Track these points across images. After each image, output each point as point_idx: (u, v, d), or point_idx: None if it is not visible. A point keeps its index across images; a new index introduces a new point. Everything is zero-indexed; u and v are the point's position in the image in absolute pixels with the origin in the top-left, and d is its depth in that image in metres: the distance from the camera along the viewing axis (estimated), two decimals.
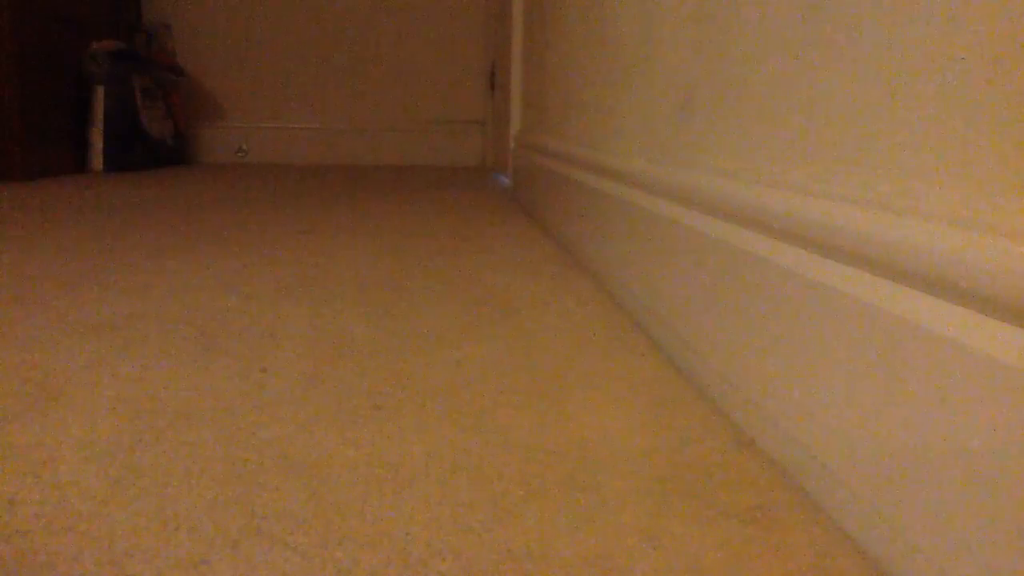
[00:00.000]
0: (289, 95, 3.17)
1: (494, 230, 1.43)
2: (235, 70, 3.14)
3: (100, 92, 2.47)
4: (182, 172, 2.63)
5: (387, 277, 0.98)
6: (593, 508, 0.41)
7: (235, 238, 1.27)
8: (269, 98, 3.16)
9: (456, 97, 3.22)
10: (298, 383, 0.59)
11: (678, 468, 0.46)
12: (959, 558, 0.31)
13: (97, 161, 2.50)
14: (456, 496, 0.42)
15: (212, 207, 1.68)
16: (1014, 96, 0.31)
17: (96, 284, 0.91)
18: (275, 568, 0.35)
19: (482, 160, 3.25)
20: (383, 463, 0.45)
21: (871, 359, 0.37)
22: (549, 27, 1.55)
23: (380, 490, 0.42)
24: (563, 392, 0.58)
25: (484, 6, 3.13)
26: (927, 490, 0.33)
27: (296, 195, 1.97)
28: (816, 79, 0.47)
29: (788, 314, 0.46)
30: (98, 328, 0.72)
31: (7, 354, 0.64)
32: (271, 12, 3.11)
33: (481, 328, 0.75)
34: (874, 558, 0.36)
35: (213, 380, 0.59)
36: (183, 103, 2.97)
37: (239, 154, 3.18)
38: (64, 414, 0.52)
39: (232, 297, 0.85)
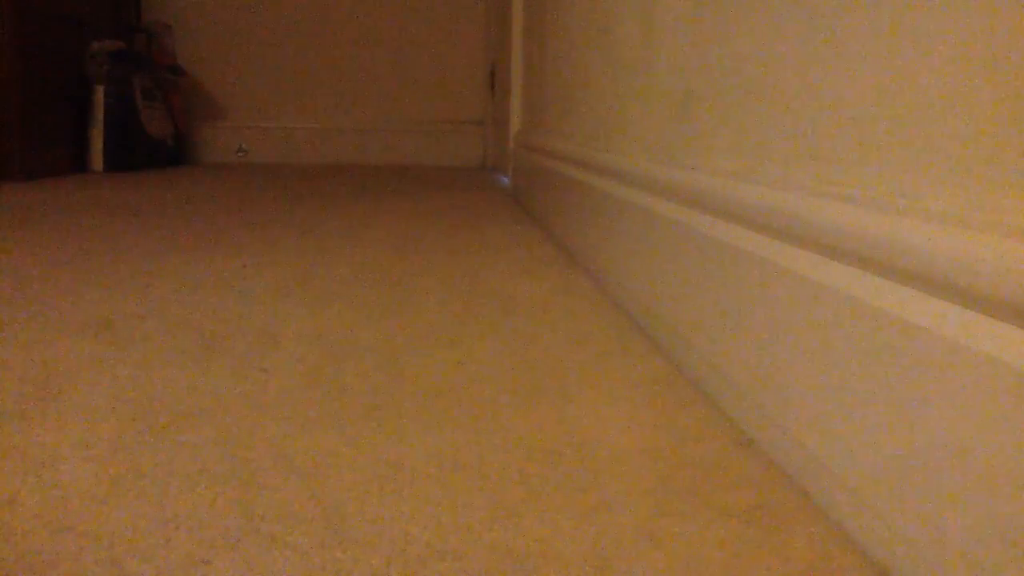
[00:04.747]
0: (289, 95, 3.17)
1: (494, 230, 1.43)
2: (235, 70, 3.14)
3: (100, 92, 2.47)
4: (182, 172, 2.63)
5: (387, 277, 0.98)
6: (593, 508, 0.41)
7: (235, 238, 1.27)
8: (269, 98, 3.16)
9: (456, 97, 3.22)
10: (298, 383, 0.59)
11: (678, 468, 0.46)
12: (959, 558, 0.31)
13: (97, 161, 2.50)
14: (456, 496, 0.42)
15: (212, 207, 1.68)
16: (1014, 96, 0.31)
17: (96, 284, 0.91)
18: (275, 568, 0.35)
19: (482, 160, 3.24)
20: (383, 463, 0.45)
21: (871, 359, 0.37)
22: (549, 27, 1.55)
23: (380, 490, 0.42)
24: (563, 392, 0.58)
25: (484, 6, 3.13)
26: (927, 490, 0.33)
27: (296, 195, 1.97)
28: (816, 79, 0.47)
29: (788, 314, 0.46)
30: (98, 328, 0.72)
31: (7, 354, 0.64)
32: (271, 13, 3.11)
33: (481, 328, 0.75)
34: (874, 558, 0.36)
35: (213, 380, 0.59)
36: (183, 103, 2.97)
37: (239, 154, 3.18)
38: (64, 414, 0.52)
39: (232, 297, 0.85)
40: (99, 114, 2.48)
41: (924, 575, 0.33)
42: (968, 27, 0.34)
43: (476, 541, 0.37)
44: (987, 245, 0.31)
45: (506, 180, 2.46)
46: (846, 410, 0.39)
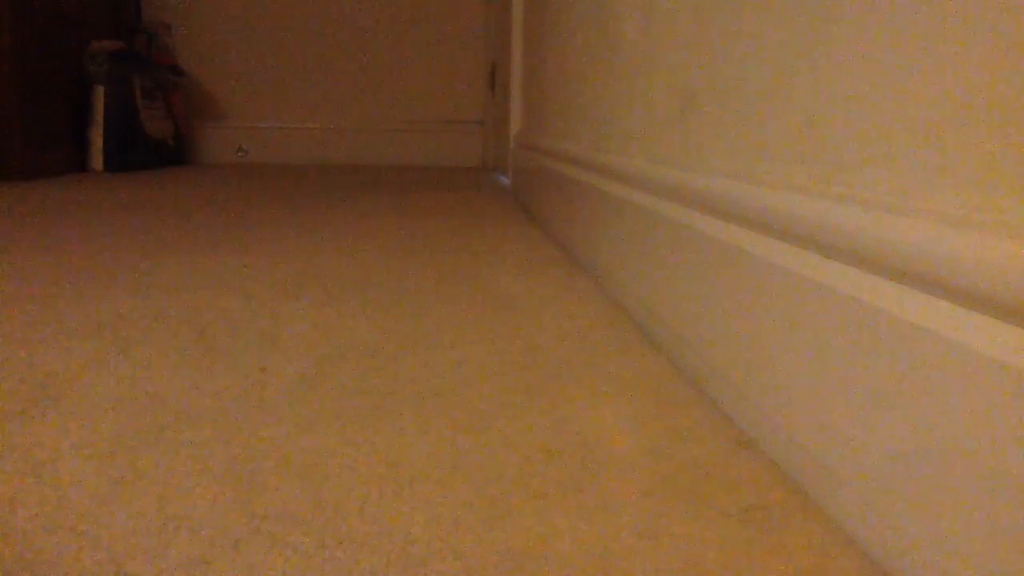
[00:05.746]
0: (289, 95, 3.17)
1: (494, 230, 1.43)
2: (235, 70, 3.14)
3: (100, 92, 2.48)
4: (182, 172, 2.63)
5: (387, 277, 0.98)
6: (593, 508, 0.41)
7: (235, 238, 1.27)
8: (269, 98, 3.17)
9: (456, 97, 3.22)
10: (298, 383, 0.59)
11: (678, 468, 0.46)
12: (959, 558, 0.31)
13: (97, 161, 2.50)
14: (456, 496, 0.42)
15: (212, 207, 1.68)
16: (1014, 96, 0.31)
17: (96, 284, 0.91)
18: (275, 568, 0.35)
19: (482, 160, 3.25)
20: (383, 463, 0.46)
21: (871, 359, 0.37)
22: (549, 27, 1.55)
23: (380, 490, 0.42)
24: (563, 392, 0.58)
25: (484, 6, 3.13)
26: (927, 490, 0.33)
27: (296, 195, 1.97)
28: (816, 79, 0.47)
29: (788, 314, 0.46)
30: (98, 328, 0.72)
31: (7, 354, 0.64)
32: (271, 13, 3.11)
33: (481, 328, 0.75)
34: (874, 558, 0.36)
35: (213, 380, 0.59)
36: (183, 103, 2.97)
37: (239, 154, 3.18)
38: (64, 414, 0.52)
39: (232, 297, 0.85)
40: (99, 114, 2.48)
41: (924, 574, 0.33)
42: (968, 27, 0.34)
43: (476, 541, 0.37)
44: (987, 245, 0.31)
45: (506, 180, 2.46)
46: (846, 410, 0.39)
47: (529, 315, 0.80)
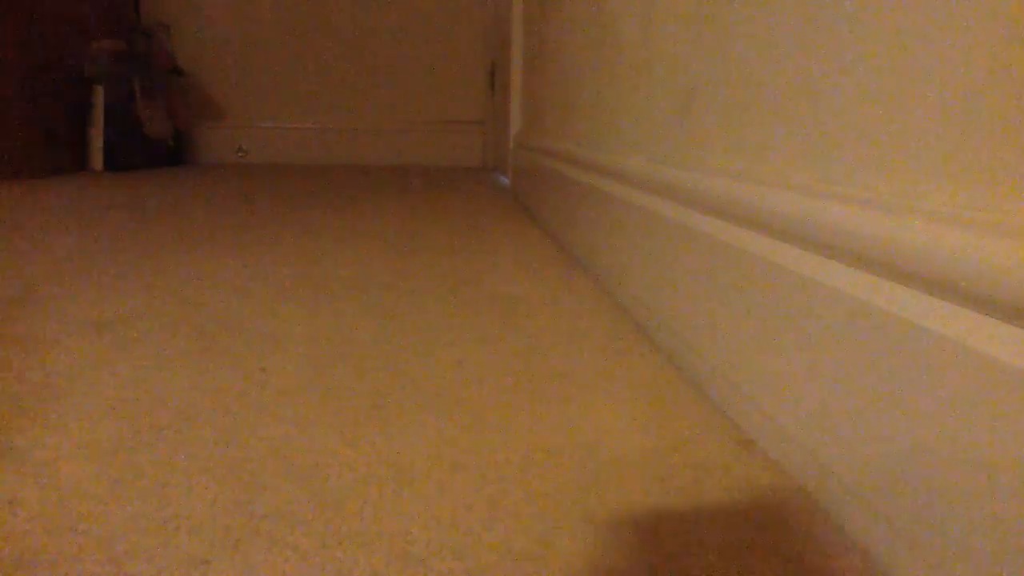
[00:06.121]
0: (289, 95, 3.17)
1: (494, 230, 1.43)
2: (235, 70, 3.14)
3: (100, 92, 2.48)
4: (182, 172, 2.63)
5: (387, 277, 0.98)
6: (593, 508, 0.41)
7: (235, 238, 1.27)
8: (269, 98, 3.17)
9: (456, 97, 3.22)
10: (298, 383, 0.59)
11: (678, 468, 0.46)
12: (959, 558, 0.31)
13: (97, 161, 2.50)
14: (456, 496, 0.42)
15: (212, 207, 1.68)
16: (1014, 96, 0.31)
17: (96, 284, 0.91)
18: (275, 568, 0.35)
19: (482, 160, 3.25)
20: (383, 463, 0.46)
21: (871, 359, 0.37)
22: (549, 27, 1.55)
23: (380, 490, 0.42)
24: (563, 392, 0.58)
25: (484, 6, 3.13)
26: (927, 490, 0.33)
27: (296, 195, 1.97)
28: (816, 79, 0.47)
29: (788, 314, 0.46)
30: (98, 328, 0.72)
31: (7, 354, 0.64)
32: (271, 13, 3.11)
33: (481, 328, 0.75)
34: (874, 558, 0.36)
35: (213, 380, 0.59)
36: (183, 103, 2.97)
37: (239, 154, 3.18)
38: (64, 414, 0.52)
39: (232, 297, 0.85)
40: (99, 114, 2.48)
41: (924, 575, 0.33)
42: (968, 27, 0.34)
43: (476, 541, 0.37)
44: (987, 245, 0.31)
45: (506, 180, 2.46)
46: (846, 410, 0.39)
47: (529, 315, 0.80)
